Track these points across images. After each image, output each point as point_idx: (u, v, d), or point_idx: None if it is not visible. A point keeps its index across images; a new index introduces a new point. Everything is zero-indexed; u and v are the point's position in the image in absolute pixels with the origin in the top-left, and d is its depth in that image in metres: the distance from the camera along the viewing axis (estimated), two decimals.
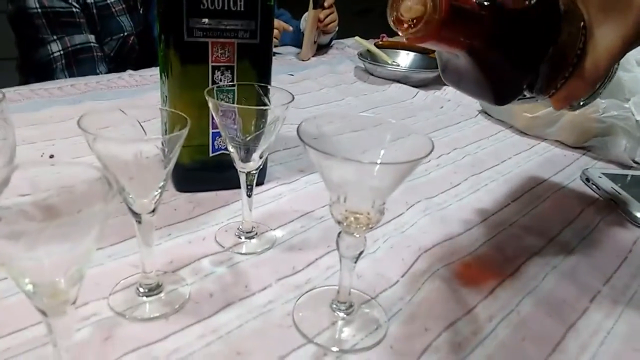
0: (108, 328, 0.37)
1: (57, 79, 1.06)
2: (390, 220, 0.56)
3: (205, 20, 0.50)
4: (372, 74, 1.19)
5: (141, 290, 0.41)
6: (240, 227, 0.50)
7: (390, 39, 1.58)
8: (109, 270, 0.44)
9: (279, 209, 0.56)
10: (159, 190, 0.37)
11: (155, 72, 1.03)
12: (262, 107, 0.46)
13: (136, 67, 1.07)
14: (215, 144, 0.57)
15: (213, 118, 0.55)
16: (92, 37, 1.12)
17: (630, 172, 0.74)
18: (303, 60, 1.31)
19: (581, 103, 0.47)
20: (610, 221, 0.61)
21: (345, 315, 0.40)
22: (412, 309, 0.42)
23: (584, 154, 0.81)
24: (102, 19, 1.14)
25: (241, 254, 0.48)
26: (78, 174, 0.30)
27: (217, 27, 0.51)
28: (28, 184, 0.30)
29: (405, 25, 0.36)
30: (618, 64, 0.45)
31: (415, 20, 0.35)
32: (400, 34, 0.37)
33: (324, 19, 1.32)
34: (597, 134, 0.79)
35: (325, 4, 1.30)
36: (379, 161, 0.35)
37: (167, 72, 0.53)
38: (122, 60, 1.19)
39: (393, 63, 1.22)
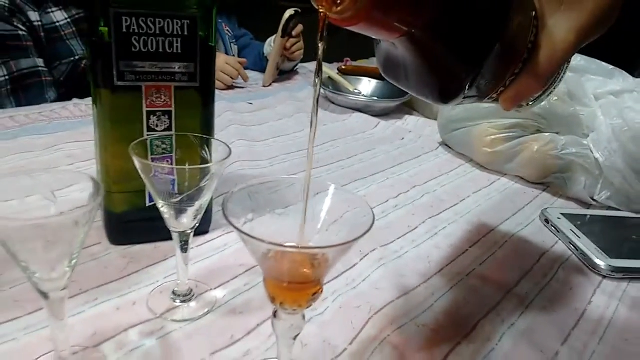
0: None
1: (2, 105, 1.00)
2: (342, 273, 0.53)
3: (138, 63, 0.46)
4: (333, 102, 1.16)
5: None
6: (176, 289, 0.46)
7: (354, 64, 1.57)
8: (22, 347, 0.39)
9: (222, 263, 0.52)
10: (72, 265, 0.32)
11: None
12: (203, 167, 0.42)
13: (89, 93, 1.02)
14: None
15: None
16: (40, 61, 1.07)
17: (589, 212, 0.73)
18: (264, 87, 1.28)
19: (530, 103, 0.43)
20: (569, 268, 0.59)
21: None
22: None
23: (544, 190, 0.80)
24: (50, 42, 1.09)
25: (175, 321, 0.43)
26: None
27: (152, 71, 0.47)
28: None
29: (328, 1, 0.29)
30: (569, 62, 0.41)
31: None
32: (322, 13, 0.29)
33: (291, 47, 1.30)
34: (557, 170, 0.79)
35: (293, 33, 1.28)
36: (313, 243, 0.32)
37: (98, 115, 0.49)
38: (74, 85, 1.13)
39: (355, 91, 1.20)
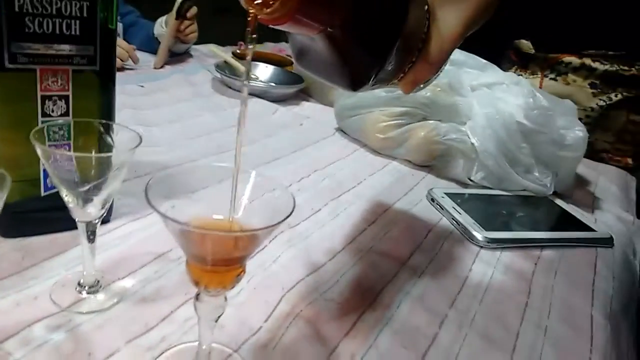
0: None
1: None
2: (253, 255, 0.54)
3: (32, 45, 0.43)
4: (230, 87, 1.16)
5: None
6: (82, 280, 0.44)
7: (248, 48, 1.56)
8: None
9: (128, 252, 0.51)
10: None
11: None
12: (103, 155, 0.41)
13: None
14: (48, 180, 0.49)
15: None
16: None
17: (468, 191, 0.82)
18: (155, 69, 1.23)
19: (421, 85, 0.48)
20: (452, 241, 0.66)
21: None
22: (277, 358, 0.41)
23: (429, 172, 0.88)
24: None
25: (83, 313, 0.42)
26: None
27: (47, 53, 0.44)
28: None
29: (258, 3, 0.31)
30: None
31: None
32: (251, 13, 0.32)
33: (184, 29, 1.26)
34: (439, 154, 0.87)
35: (188, 15, 1.24)
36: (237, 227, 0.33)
37: None
38: None
39: (252, 76, 1.20)
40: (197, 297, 0.35)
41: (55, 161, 0.38)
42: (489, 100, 0.84)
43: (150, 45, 1.31)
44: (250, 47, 0.33)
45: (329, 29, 0.35)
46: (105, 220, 0.55)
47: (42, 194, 0.49)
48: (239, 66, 1.21)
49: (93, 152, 0.43)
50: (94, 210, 0.41)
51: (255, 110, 1.06)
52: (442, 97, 0.86)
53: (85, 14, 0.45)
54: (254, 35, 0.32)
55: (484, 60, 0.91)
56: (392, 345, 0.46)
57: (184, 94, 1.08)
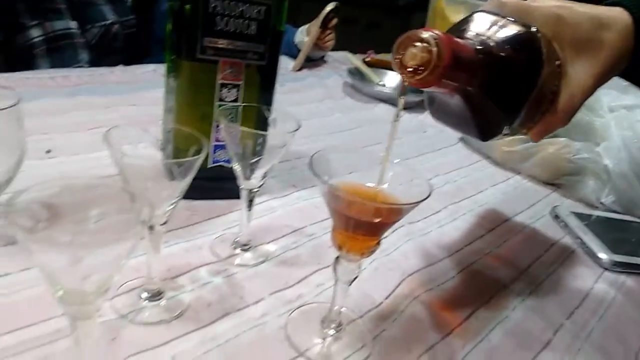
0: (114, 330, 0.39)
1: (37, 65, 1.05)
2: (386, 236, 0.59)
3: (219, 40, 0.52)
4: (359, 92, 1.22)
5: (144, 295, 0.42)
6: (237, 239, 0.53)
7: (376, 57, 1.63)
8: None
9: (271, 223, 0.59)
10: (172, 205, 0.39)
11: (145, 69, 1.05)
12: (264, 133, 0.48)
13: (121, 58, 1.07)
14: (215, 156, 0.59)
15: (216, 131, 0.57)
16: (73, 24, 1.11)
17: (596, 213, 0.80)
18: (293, 71, 1.34)
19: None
20: (575, 259, 0.66)
21: (334, 332, 0.43)
22: (395, 331, 0.46)
23: (554, 191, 0.86)
24: (82, 5, 1.14)
25: (236, 265, 0.50)
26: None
27: (228, 48, 0.53)
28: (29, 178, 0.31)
29: (409, 71, 0.37)
30: None
31: (418, 67, 0.37)
32: (403, 78, 0.38)
33: (324, 38, 1.36)
34: (568, 173, 0.85)
35: (329, 25, 1.34)
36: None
37: (175, 83, 0.55)
38: (105, 49, 1.18)
39: (380, 83, 1.26)
40: (337, 260, 0.40)
41: (230, 135, 0.47)
42: (628, 123, 0.81)
43: (290, 50, 1.43)
44: (401, 100, 0.39)
45: (467, 88, 0.40)
46: None
47: (208, 165, 0.59)
48: (369, 73, 1.27)
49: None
50: (255, 181, 0.49)
51: (381, 114, 1.11)
52: (578, 116, 0.84)
53: (261, 17, 0.54)
54: (403, 97, 0.39)
55: (626, 82, 0.88)
56: (504, 342, 0.48)
57: (317, 95, 1.16)
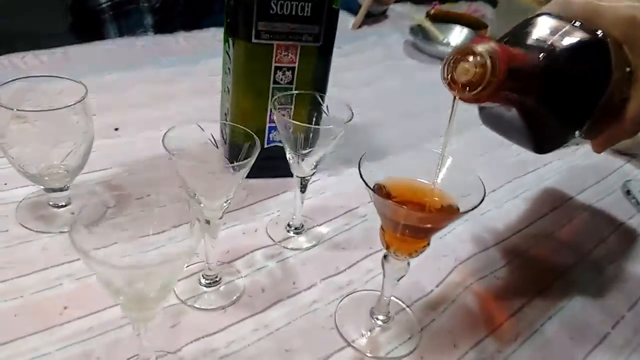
0: (175, 315, 0.42)
1: (105, 30, 1.08)
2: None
3: (274, 24, 0.52)
4: (422, 51, 1.18)
5: (203, 281, 0.45)
6: (291, 222, 0.54)
7: (442, 7, 1.54)
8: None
9: (324, 203, 0.60)
10: (228, 202, 0.41)
11: (207, 34, 1.05)
12: (316, 127, 0.48)
13: (183, 20, 1.09)
14: (270, 136, 0.60)
15: (271, 113, 0.58)
16: None
17: None
18: (353, 29, 1.30)
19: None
20: None
21: (382, 323, 0.44)
22: (444, 322, 0.46)
23: (628, 162, 0.81)
24: None
25: (290, 249, 0.52)
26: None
27: (283, 31, 0.53)
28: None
29: (462, 87, 0.35)
30: None
31: (471, 82, 0.34)
32: (453, 94, 0.36)
33: None
34: None
35: None
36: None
37: (232, 65, 0.56)
38: (168, 12, 1.19)
39: (444, 42, 1.20)
40: (385, 257, 0.41)
41: (283, 126, 0.47)
42: None
43: (350, 4, 1.38)
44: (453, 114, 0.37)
45: (523, 100, 0.37)
46: None
47: (265, 145, 0.60)
48: (433, 30, 1.21)
49: (312, 122, 0.50)
50: (307, 168, 0.49)
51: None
52: None
53: None
54: (456, 108, 0.37)
55: None
56: (559, 334, 0.47)
57: (376, 56, 1.13)
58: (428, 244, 0.39)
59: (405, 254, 0.39)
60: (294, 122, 0.46)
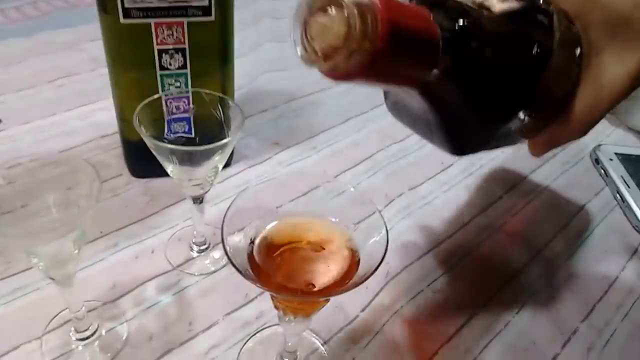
0: None
1: None
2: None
3: None
4: None
5: (74, 336, 0.38)
6: (194, 239, 0.46)
7: None
8: (45, 298, 0.40)
9: (242, 204, 0.51)
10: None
11: None
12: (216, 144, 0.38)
13: None
14: (172, 127, 0.50)
15: (167, 101, 0.48)
16: None
17: None
18: None
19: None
20: (610, 225, 0.55)
21: None
22: (366, 358, 0.40)
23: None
24: None
25: (191, 274, 0.44)
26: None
27: (160, 6, 0.41)
28: None
29: (317, 55, 0.22)
30: None
31: (333, 48, 0.22)
32: (310, 65, 0.23)
33: None
34: None
35: None
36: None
37: (108, 46, 0.45)
38: None
39: None
40: (280, 318, 0.33)
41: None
42: None
43: None
44: None
45: (424, 81, 0.25)
46: (227, 164, 0.55)
47: (165, 134, 0.50)
48: None
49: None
50: (198, 190, 0.40)
51: None
52: None
53: None
54: None
55: None
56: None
57: None
58: (327, 301, 0.32)
59: (305, 315, 0.32)
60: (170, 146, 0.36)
